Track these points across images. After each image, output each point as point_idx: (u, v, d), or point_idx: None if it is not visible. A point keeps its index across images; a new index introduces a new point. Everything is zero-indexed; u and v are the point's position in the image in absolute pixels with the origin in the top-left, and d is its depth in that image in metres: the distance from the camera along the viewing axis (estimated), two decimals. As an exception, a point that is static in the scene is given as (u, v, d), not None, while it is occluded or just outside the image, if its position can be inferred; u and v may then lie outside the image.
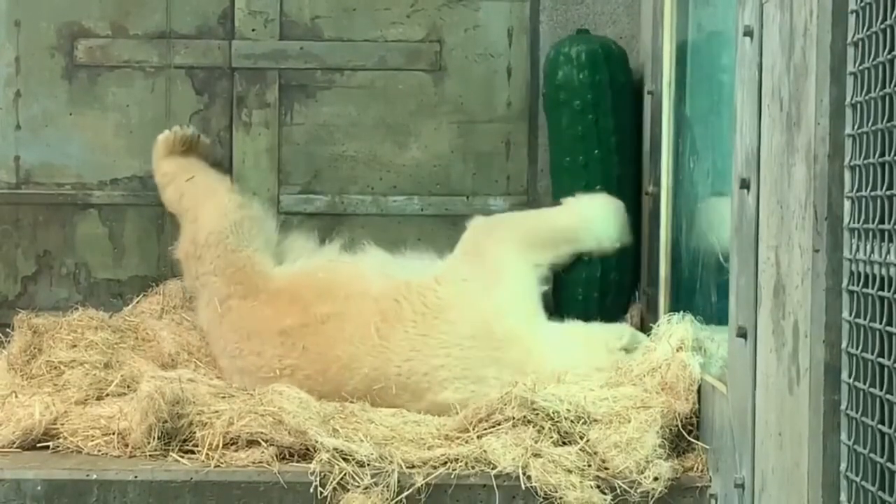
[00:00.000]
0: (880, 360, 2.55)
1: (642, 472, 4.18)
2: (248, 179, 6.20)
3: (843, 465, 2.75)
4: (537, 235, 5.39)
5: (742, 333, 3.63)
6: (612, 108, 5.82)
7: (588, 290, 5.62)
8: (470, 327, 4.97)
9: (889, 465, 2.49)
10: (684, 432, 4.38)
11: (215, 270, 5.43)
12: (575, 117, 5.81)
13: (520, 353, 4.90)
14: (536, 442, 4.28)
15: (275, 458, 4.33)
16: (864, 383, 2.63)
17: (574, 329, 5.17)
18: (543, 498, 4.14)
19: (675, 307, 5.06)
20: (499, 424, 4.38)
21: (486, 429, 4.39)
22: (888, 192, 2.53)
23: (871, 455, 2.58)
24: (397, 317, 5.02)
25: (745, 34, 3.63)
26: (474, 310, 5.03)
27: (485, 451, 4.28)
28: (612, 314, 5.59)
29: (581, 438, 4.31)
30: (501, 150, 6.24)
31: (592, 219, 5.48)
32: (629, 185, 5.86)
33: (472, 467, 4.26)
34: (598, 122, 5.80)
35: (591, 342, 5.06)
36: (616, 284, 5.77)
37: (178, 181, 5.85)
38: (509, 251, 5.21)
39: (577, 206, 5.52)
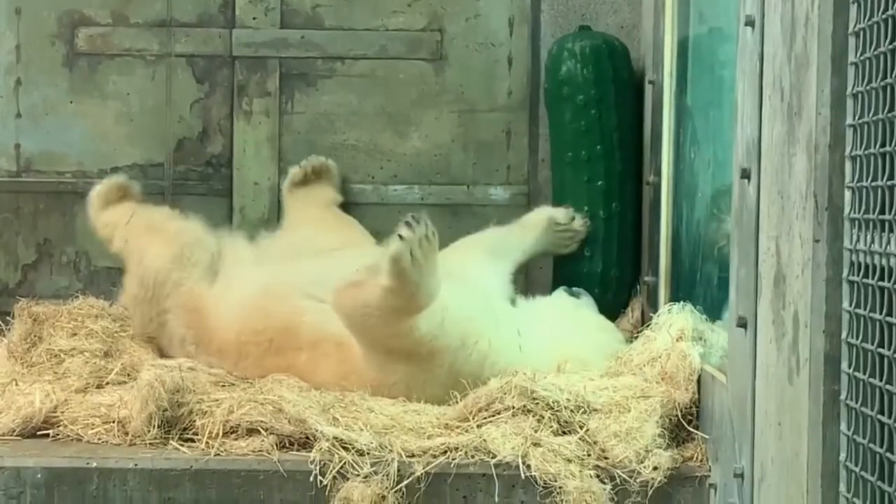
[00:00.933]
0: (880, 350, 2.55)
1: (642, 462, 4.19)
2: (248, 168, 6.20)
3: (842, 455, 2.75)
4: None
5: (742, 323, 3.63)
6: (615, 104, 5.82)
7: (589, 286, 5.63)
8: (443, 390, 4.82)
9: (888, 455, 2.49)
10: (684, 422, 4.38)
11: (171, 309, 5.35)
12: (578, 112, 5.81)
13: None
14: (536, 431, 4.28)
15: (275, 446, 4.33)
16: (864, 373, 2.63)
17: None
18: (543, 487, 4.14)
19: (675, 297, 5.06)
20: (498, 413, 4.38)
21: (485, 418, 4.39)
22: (889, 183, 2.53)
23: (871, 445, 2.58)
24: (353, 381, 4.80)
25: (746, 24, 3.63)
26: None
27: (484, 440, 4.28)
28: (612, 310, 5.59)
29: (581, 428, 4.31)
30: (502, 140, 6.24)
31: None
32: (630, 179, 5.86)
33: (472, 456, 4.26)
34: (601, 117, 5.80)
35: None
36: (617, 280, 5.78)
37: (119, 228, 5.72)
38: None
39: None
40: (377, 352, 4.74)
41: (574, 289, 5.46)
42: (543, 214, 5.76)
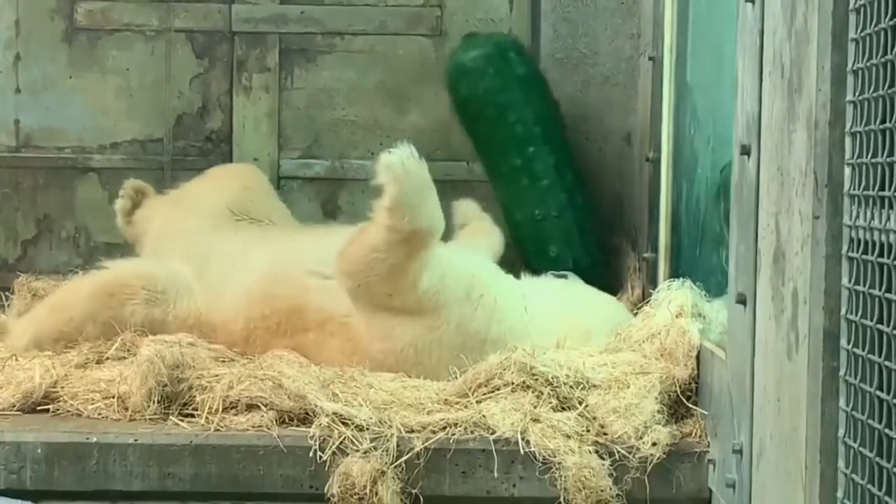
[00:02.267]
0: (879, 326, 2.55)
1: (641, 438, 4.19)
2: (247, 144, 6.20)
3: (841, 431, 2.76)
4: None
5: (741, 300, 3.64)
6: (525, 102, 5.74)
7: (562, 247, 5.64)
8: (450, 354, 4.81)
9: (887, 431, 2.50)
10: (683, 398, 4.38)
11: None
12: (495, 125, 5.74)
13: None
14: (535, 407, 4.29)
15: (274, 422, 4.34)
16: (863, 350, 2.63)
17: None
18: (542, 463, 4.15)
19: (675, 273, 5.06)
20: (498, 389, 4.39)
21: (485, 394, 4.40)
22: (889, 159, 2.53)
23: (870, 421, 2.59)
24: (358, 358, 4.76)
25: (746, 0, 3.62)
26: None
27: (484, 415, 4.29)
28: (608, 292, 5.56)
29: (580, 404, 4.31)
30: (502, 115, 6.23)
31: None
32: (567, 165, 5.81)
33: (471, 432, 4.26)
34: (518, 120, 5.73)
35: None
36: (591, 267, 5.74)
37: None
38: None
39: None
40: (383, 316, 4.74)
41: (563, 272, 5.44)
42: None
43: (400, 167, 4.57)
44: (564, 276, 5.41)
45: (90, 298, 5.04)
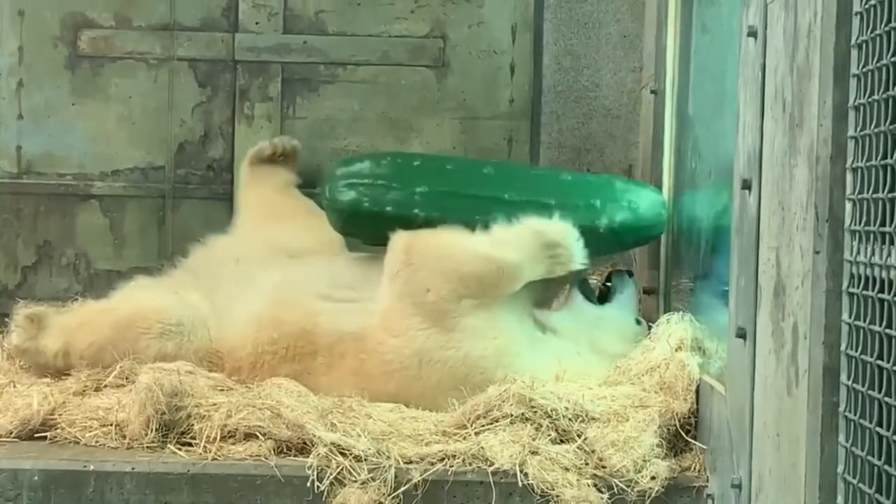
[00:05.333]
0: (879, 362, 2.55)
1: (639, 472, 4.18)
2: (249, 172, 6.19)
3: (840, 468, 2.75)
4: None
5: (741, 334, 3.63)
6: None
7: None
8: (451, 380, 4.83)
9: (887, 467, 2.49)
10: (682, 432, 4.38)
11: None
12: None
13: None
14: (534, 439, 4.28)
15: (272, 451, 4.33)
16: (863, 386, 2.62)
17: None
18: (540, 495, 4.14)
19: (674, 307, 5.06)
20: (496, 421, 4.38)
21: (483, 425, 4.39)
22: (890, 195, 2.53)
23: (869, 457, 2.58)
24: (368, 374, 4.83)
25: (748, 34, 3.63)
26: (449, 362, 4.89)
27: (482, 447, 4.28)
28: None
29: (579, 436, 4.30)
30: (503, 147, 6.24)
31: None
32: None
33: (470, 464, 4.25)
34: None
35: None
36: None
37: None
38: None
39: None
40: (405, 309, 4.82)
41: (624, 269, 5.44)
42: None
43: (573, 245, 4.86)
44: (627, 273, 5.31)
45: (111, 328, 5.07)
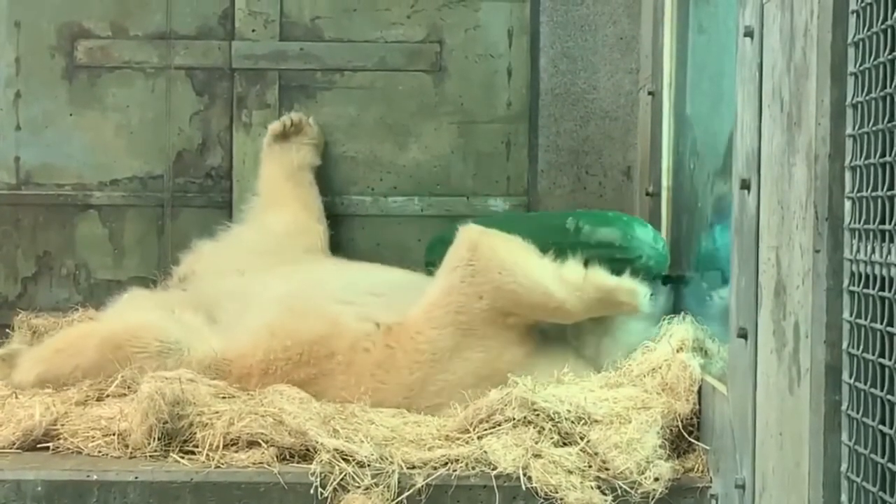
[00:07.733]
0: (881, 360, 2.55)
1: (643, 473, 4.18)
2: (247, 180, 6.20)
3: (843, 466, 2.75)
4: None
5: (743, 334, 3.63)
6: None
7: None
8: (473, 378, 4.85)
9: (890, 465, 2.49)
10: (685, 433, 4.37)
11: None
12: None
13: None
14: (537, 443, 4.28)
15: (275, 458, 4.33)
16: (865, 384, 2.62)
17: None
18: (544, 499, 4.14)
19: (675, 307, 5.06)
20: (499, 425, 4.38)
21: (486, 429, 4.39)
22: (889, 193, 2.53)
23: (872, 455, 2.58)
24: (393, 364, 4.88)
25: (745, 34, 3.63)
26: (477, 362, 4.91)
27: (485, 451, 4.28)
28: None
29: (582, 439, 4.30)
30: (502, 151, 6.25)
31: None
32: None
33: (473, 468, 4.25)
34: None
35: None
36: None
37: None
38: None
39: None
40: (458, 307, 4.85)
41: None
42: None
43: (642, 303, 4.87)
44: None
45: (97, 350, 5.01)
